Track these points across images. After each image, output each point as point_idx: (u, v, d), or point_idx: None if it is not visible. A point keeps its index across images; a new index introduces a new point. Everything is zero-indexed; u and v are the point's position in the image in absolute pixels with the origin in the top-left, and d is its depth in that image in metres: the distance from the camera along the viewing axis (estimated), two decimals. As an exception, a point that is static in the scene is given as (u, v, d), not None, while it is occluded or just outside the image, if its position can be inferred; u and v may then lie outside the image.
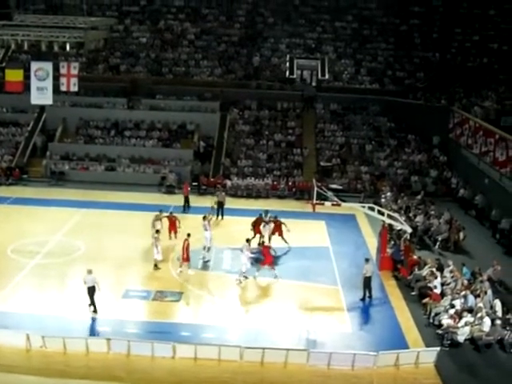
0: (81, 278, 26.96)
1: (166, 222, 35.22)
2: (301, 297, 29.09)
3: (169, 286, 29.41)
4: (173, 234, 35.19)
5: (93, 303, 26.47)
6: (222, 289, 29.75)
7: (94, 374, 22.06)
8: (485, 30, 58.44)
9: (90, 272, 26.47)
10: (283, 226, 35.14)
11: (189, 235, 31.35)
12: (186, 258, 30.80)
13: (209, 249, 33.39)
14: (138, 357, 22.99)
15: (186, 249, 30.65)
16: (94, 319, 26.12)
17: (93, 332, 25.11)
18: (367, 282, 29.38)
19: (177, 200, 41.93)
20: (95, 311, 26.45)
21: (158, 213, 35.21)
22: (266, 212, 36.30)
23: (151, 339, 23.57)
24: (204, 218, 34.06)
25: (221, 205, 39.88)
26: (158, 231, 32.80)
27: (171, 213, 36.07)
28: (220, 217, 39.52)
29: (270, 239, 34.72)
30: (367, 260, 30.02)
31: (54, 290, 28.72)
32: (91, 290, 26.37)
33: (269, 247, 32.37)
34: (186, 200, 41.44)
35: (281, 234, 35.11)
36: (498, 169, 39.16)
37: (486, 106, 44.62)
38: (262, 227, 35.07)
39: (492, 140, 40.11)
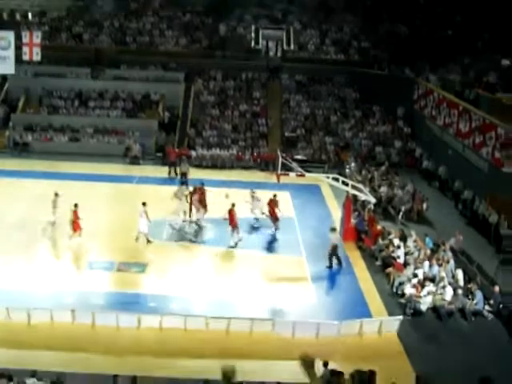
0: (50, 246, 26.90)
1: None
2: (266, 267, 29.24)
3: (133, 257, 29.37)
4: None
5: None
6: (187, 260, 29.78)
7: (58, 344, 21.97)
8: (450, 2, 58.45)
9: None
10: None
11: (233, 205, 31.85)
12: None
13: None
14: (104, 327, 22.99)
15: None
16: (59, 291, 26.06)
17: (57, 303, 25.02)
18: (334, 251, 29.64)
19: (141, 170, 41.77)
20: None
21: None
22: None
23: (116, 310, 23.58)
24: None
25: (184, 175, 39.76)
26: (144, 203, 31.24)
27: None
28: (185, 187, 39.36)
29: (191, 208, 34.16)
30: (333, 229, 30.47)
31: (17, 262, 28.46)
32: None
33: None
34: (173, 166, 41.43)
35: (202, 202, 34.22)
36: (461, 140, 39.50)
37: (450, 77, 44.83)
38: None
39: (456, 112, 40.40)
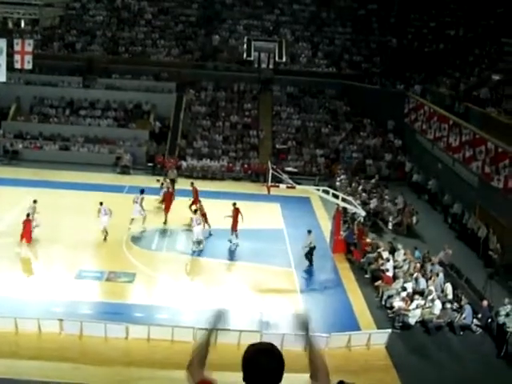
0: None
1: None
2: (254, 278, 29.20)
3: (122, 267, 29.31)
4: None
5: None
6: (175, 270, 29.74)
7: (46, 354, 21.91)
8: (442, 17, 58.84)
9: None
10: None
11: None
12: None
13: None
14: (91, 337, 22.91)
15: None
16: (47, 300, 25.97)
17: (45, 313, 24.91)
18: (311, 252, 30.78)
19: (131, 181, 41.71)
20: None
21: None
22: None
23: (104, 320, 23.51)
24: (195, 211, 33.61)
25: (173, 182, 39.76)
26: (101, 203, 33.24)
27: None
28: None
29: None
30: (309, 231, 31.26)
31: (6, 270, 28.34)
32: None
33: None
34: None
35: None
36: (451, 154, 39.61)
37: (440, 91, 45.03)
38: None
39: (446, 126, 40.52)
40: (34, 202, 31.83)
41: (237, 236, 32.82)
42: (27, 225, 29.88)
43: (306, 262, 30.90)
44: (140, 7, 59.75)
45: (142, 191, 34.97)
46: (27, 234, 29.80)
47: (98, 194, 37.64)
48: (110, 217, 32.27)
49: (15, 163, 45.65)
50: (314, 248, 31.11)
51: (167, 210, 35.49)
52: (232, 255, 31.35)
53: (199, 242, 31.80)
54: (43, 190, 39.02)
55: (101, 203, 32.76)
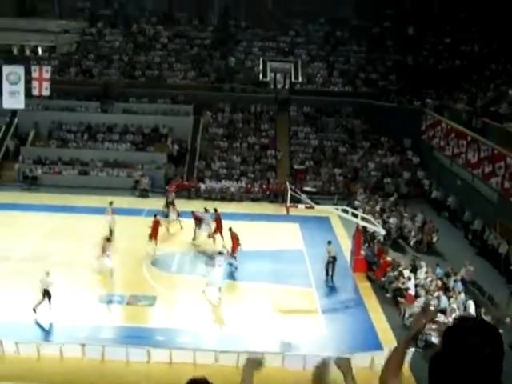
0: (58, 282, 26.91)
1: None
2: (275, 299, 29.08)
3: (143, 290, 29.32)
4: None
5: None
6: (195, 292, 29.65)
7: (68, 379, 21.86)
8: (456, 33, 58.84)
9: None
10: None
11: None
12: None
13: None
14: (113, 362, 22.88)
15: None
16: (68, 325, 26.00)
17: (67, 337, 24.95)
18: (333, 262, 31.30)
19: (150, 204, 41.84)
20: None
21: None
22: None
23: (126, 344, 23.49)
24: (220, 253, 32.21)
25: (171, 205, 39.53)
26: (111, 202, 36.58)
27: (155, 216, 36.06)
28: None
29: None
30: (329, 242, 32.19)
31: (28, 295, 28.39)
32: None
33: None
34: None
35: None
36: (470, 170, 39.45)
37: (458, 107, 44.94)
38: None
39: (464, 142, 40.40)
40: (47, 273, 27.94)
41: (235, 258, 32.34)
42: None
43: (328, 281, 30.85)
44: (156, 31, 60.26)
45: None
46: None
47: (116, 217, 37.79)
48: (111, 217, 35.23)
49: (34, 188, 45.96)
50: (335, 258, 31.55)
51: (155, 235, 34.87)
52: (252, 276, 31.23)
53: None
54: (63, 214, 39.28)
55: (110, 203, 36.51)
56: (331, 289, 30.34)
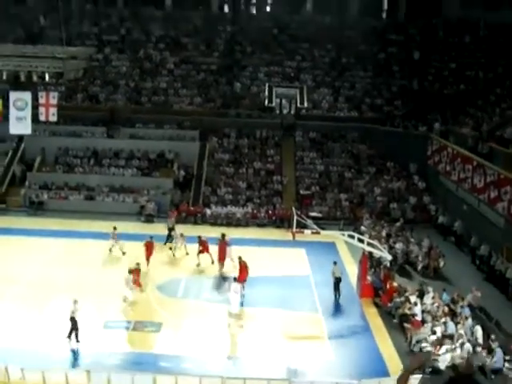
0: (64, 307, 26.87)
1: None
2: (282, 326, 28.97)
3: (148, 316, 29.24)
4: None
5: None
6: (201, 318, 29.58)
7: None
8: (461, 58, 59.05)
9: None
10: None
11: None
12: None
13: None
14: (119, 388, 22.77)
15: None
16: (73, 351, 25.94)
17: (73, 364, 24.88)
18: (337, 283, 32.11)
19: (155, 229, 41.85)
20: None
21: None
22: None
23: (132, 370, 23.38)
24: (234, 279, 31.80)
25: (170, 231, 39.70)
26: (115, 227, 37.98)
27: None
28: (169, 243, 39.28)
29: None
30: (335, 263, 33.00)
31: (33, 321, 28.38)
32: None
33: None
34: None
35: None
36: (476, 195, 39.39)
37: (463, 132, 44.96)
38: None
39: (470, 167, 40.38)
40: (75, 302, 27.49)
41: (243, 287, 31.66)
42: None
43: (333, 307, 30.80)
44: (162, 57, 60.58)
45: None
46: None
47: (122, 242, 37.89)
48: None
49: (41, 214, 46.03)
50: (339, 279, 32.23)
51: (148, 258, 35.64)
52: (259, 302, 31.13)
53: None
54: (69, 239, 39.32)
55: (114, 228, 37.96)
56: (338, 314, 30.24)
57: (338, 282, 32.37)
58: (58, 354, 25.39)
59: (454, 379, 5.12)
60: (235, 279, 31.05)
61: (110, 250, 37.50)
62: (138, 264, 31.94)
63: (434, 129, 49.06)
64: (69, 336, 26.39)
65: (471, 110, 48.68)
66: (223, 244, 35.88)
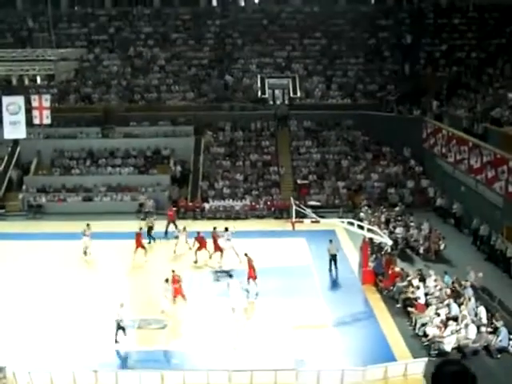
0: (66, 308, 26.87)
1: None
2: (286, 316, 29.01)
3: (153, 313, 29.24)
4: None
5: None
6: (205, 313, 29.60)
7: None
8: (452, 40, 59.04)
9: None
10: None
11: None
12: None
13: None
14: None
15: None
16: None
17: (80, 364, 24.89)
18: (333, 258, 34.07)
19: (156, 226, 41.87)
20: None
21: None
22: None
23: (139, 368, 23.43)
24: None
25: (150, 229, 39.51)
26: (88, 224, 37.87)
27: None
28: (153, 241, 39.34)
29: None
30: (331, 241, 34.76)
31: (37, 323, 28.39)
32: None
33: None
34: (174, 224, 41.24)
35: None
36: (473, 176, 39.42)
37: (457, 114, 44.93)
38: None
39: (466, 148, 40.41)
40: (121, 305, 27.32)
41: (256, 284, 31.67)
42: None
43: (336, 296, 30.86)
44: (153, 54, 60.53)
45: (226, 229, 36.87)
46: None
47: (123, 242, 37.91)
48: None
49: (39, 217, 46.01)
50: (335, 256, 34.21)
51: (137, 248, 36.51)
52: (262, 293, 31.17)
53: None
54: (69, 242, 39.23)
55: (88, 225, 37.71)
56: (341, 302, 30.26)
57: (333, 258, 34.16)
58: (65, 355, 25.36)
59: (444, 362, 5.31)
60: (231, 276, 31.25)
61: (85, 253, 36.88)
62: (173, 271, 30.60)
63: (432, 108, 48.99)
64: (116, 340, 26.30)
65: (464, 92, 48.64)
66: (214, 235, 36.18)
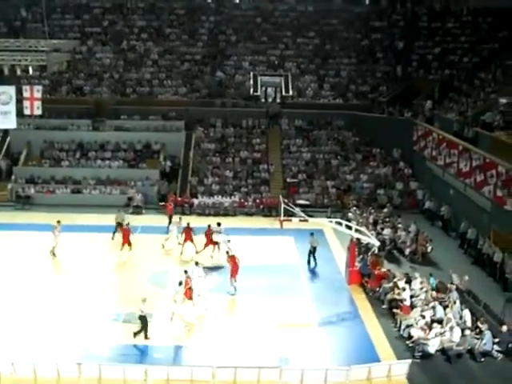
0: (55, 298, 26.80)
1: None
2: (272, 314, 29.02)
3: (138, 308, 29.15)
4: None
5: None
6: (191, 308, 29.55)
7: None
8: (445, 43, 59.19)
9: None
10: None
11: None
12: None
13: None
14: (110, 381, 22.76)
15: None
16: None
17: (63, 357, 24.82)
18: (313, 251, 35.26)
19: (144, 220, 41.89)
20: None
21: None
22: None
23: (123, 362, 23.39)
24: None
25: (119, 225, 38.90)
26: (58, 221, 36.49)
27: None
28: (115, 237, 38.88)
29: None
30: (312, 234, 35.57)
31: (22, 315, 28.30)
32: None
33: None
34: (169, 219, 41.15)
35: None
36: (462, 179, 39.55)
37: (448, 117, 45.04)
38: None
39: (455, 151, 40.52)
40: (143, 300, 26.86)
41: (232, 283, 31.46)
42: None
43: (322, 295, 30.90)
44: (146, 48, 60.49)
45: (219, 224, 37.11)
46: None
47: (111, 235, 37.90)
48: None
49: (28, 208, 45.88)
50: (315, 248, 35.38)
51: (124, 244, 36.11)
52: (248, 291, 31.19)
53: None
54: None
55: (58, 221, 36.40)
56: (327, 301, 30.27)
57: (313, 250, 35.42)
58: (48, 347, 25.29)
59: None
60: (197, 263, 31.50)
61: (54, 254, 35.92)
62: (185, 272, 29.80)
63: (424, 110, 49.11)
64: (136, 334, 26.21)
65: (456, 95, 48.77)
66: (207, 233, 36.11)
